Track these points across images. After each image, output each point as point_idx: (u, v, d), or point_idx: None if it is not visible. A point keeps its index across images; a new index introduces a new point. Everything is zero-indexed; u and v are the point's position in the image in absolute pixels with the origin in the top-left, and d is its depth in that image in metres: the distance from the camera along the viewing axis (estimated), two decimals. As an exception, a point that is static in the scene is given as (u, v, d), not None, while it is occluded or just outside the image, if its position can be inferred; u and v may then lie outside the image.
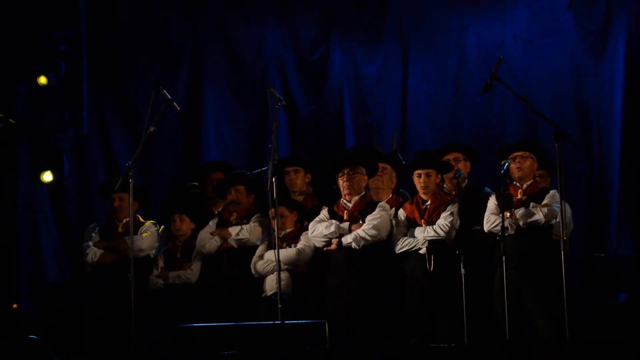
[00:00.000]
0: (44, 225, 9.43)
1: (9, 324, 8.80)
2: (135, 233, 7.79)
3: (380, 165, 7.64)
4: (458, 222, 7.22)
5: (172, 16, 10.00)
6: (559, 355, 5.71)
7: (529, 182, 7.22)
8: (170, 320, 7.17)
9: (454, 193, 7.56)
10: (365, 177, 7.47)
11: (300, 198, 7.85)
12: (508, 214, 7.02)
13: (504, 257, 6.65)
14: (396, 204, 7.50)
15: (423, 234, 7.18)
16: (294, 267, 7.42)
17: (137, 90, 9.80)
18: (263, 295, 7.48)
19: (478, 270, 7.06)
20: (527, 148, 7.25)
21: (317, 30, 10.07)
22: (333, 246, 7.32)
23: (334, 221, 7.35)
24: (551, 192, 7.16)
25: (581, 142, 9.12)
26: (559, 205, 6.79)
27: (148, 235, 7.95)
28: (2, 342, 6.72)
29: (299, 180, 7.91)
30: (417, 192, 7.40)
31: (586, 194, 9.32)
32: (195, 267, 7.81)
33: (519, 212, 7.05)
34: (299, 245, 7.48)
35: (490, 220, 7.08)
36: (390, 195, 7.69)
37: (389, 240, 7.30)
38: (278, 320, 6.67)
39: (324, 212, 7.46)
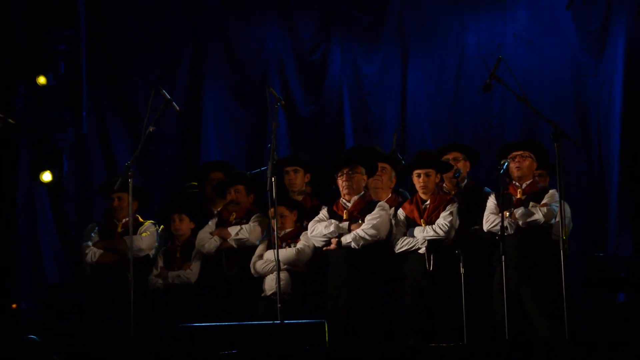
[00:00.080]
0: (44, 225, 9.44)
1: (9, 324, 8.79)
2: (135, 233, 7.80)
3: (380, 165, 7.64)
4: (457, 221, 7.22)
5: (172, 16, 10.00)
6: (558, 355, 5.71)
7: (528, 182, 7.22)
8: (170, 320, 7.16)
9: (453, 193, 7.56)
10: (365, 177, 7.47)
11: (300, 198, 7.85)
12: (507, 213, 7.02)
13: (503, 256, 6.66)
14: (395, 204, 7.51)
15: (422, 233, 7.18)
16: (294, 266, 7.42)
17: (136, 90, 9.80)
18: (262, 295, 7.49)
19: (477, 269, 7.06)
20: (527, 148, 7.25)
21: (317, 30, 10.07)
22: (332, 246, 7.32)
23: (333, 221, 7.35)
24: (550, 191, 7.16)
25: (581, 142, 9.13)
26: (558, 204, 6.80)
27: (147, 235, 7.95)
28: (2, 342, 6.72)
29: (299, 180, 7.92)
30: (416, 191, 7.40)
31: (586, 194, 9.32)
32: (195, 267, 7.81)
33: (519, 211, 7.05)
34: (299, 245, 7.48)
35: (490, 220, 7.08)
36: (390, 195, 7.70)
37: (389, 240, 7.31)
38: (277, 320, 6.68)
39: (324, 212, 7.46)
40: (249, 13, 10.06)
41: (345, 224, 7.32)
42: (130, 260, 7.04)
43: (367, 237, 7.21)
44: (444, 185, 7.61)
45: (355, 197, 7.41)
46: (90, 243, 7.97)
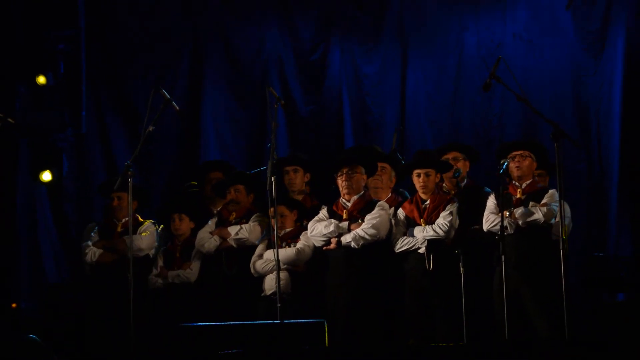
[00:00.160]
0: (44, 225, 9.44)
1: (9, 324, 8.79)
2: (135, 232, 7.80)
3: (380, 164, 7.64)
4: (457, 221, 7.22)
5: (172, 16, 10.00)
6: (558, 355, 5.70)
7: (528, 182, 7.22)
8: (170, 319, 7.17)
9: (453, 192, 7.57)
10: (365, 177, 7.47)
11: (300, 197, 7.85)
12: (507, 213, 7.02)
13: (503, 256, 6.66)
14: (395, 204, 7.51)
15: (422, 233, 7.18)
16: (294, 266, 7.42)
17: (136, 90, 9.80)
18: (262, 294, 7.48)
19: (477, 269, 7.07)
20: (527, 147, 7.25)
21: (317, 30, 10.07)
22: (332, 245, 7.32)
23: (333, 220, 7.35)
24: (550, 191, 7.16)
25: (581, 142, 9.12)
26: (558, 204, 6.80)
27: (147, 234, 7.95)
28: (2, 342, 6.71)
29: (298, 179, 7.91)
30: (416, 191, 7.41)
31: (586, 194, 9.32)
32: (195, 266, 7.81)
33: (518, 211, 7.05)
34: (299, 244, 7.48)
35: (490, 220, 7.08)
36: (390, 195, 7.70)
37: (388, 240, 7.31)
38: (277, 320, 6.68)
39: (323, 212, 7.47)
40: (249, 13, 10.06)
41: (345, 224, 7.32)
42: (130, 259, 7.04)
43: (367, 236, 7.21)
44: (444, 185, 7.61)
45: (355, 197, 7.41)
46: (90, 243, 7.97)
